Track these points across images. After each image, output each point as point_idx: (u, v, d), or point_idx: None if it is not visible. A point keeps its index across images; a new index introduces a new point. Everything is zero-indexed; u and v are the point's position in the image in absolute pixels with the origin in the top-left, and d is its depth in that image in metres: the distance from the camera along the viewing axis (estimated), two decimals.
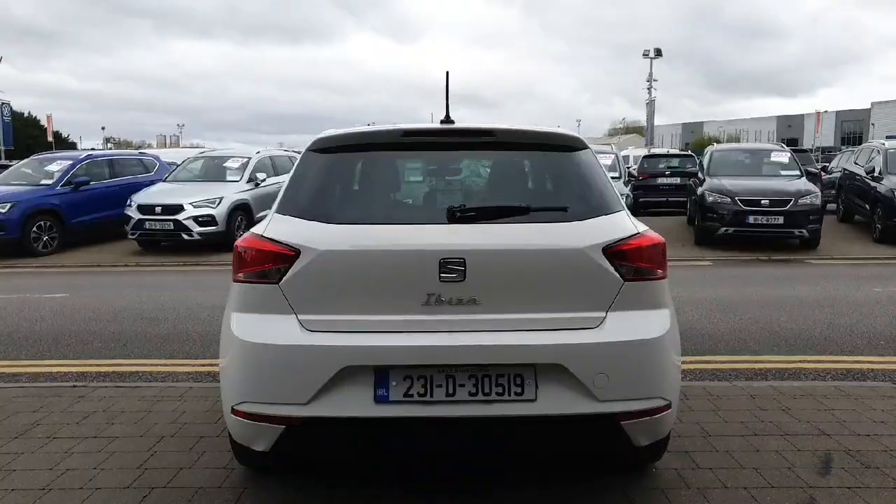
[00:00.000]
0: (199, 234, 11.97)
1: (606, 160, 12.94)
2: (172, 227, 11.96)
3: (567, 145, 3.20)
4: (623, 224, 2.90)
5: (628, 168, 18.29)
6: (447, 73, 3.37)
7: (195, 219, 11.99)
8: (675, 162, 18.86)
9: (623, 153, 23.71)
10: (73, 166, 13.27)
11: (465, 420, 2.67)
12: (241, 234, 3.26)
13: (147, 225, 12.04)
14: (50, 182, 12.94)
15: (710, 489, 3.13)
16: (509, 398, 2.67)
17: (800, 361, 5.33)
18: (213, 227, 12.06)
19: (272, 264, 2.75)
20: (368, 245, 2.76)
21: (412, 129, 3.10)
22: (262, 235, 2.84)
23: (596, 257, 2.76)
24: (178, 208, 12.00)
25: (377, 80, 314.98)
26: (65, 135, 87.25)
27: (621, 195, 3.24)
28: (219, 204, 12.23)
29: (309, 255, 2.72)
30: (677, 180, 17.67)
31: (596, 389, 2.67)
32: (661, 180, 18.29)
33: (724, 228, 11.67)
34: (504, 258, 2.75)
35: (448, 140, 3.17)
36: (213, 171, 13.76)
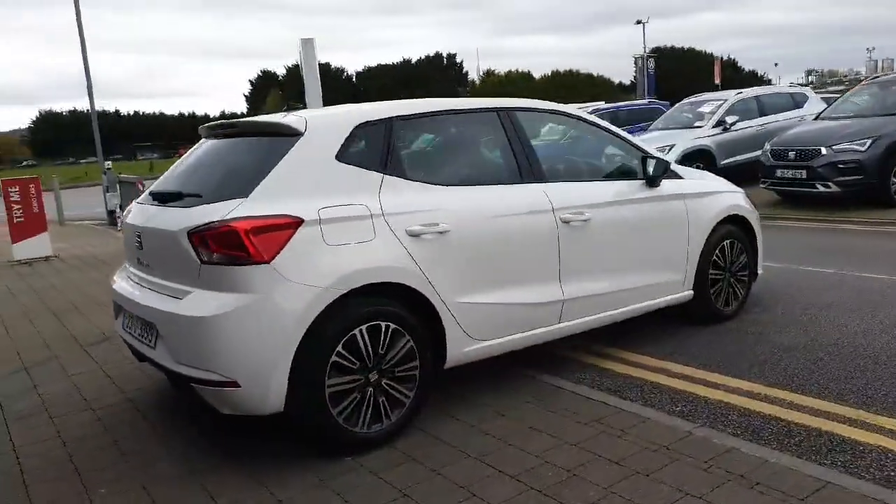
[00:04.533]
0: None
1: None
2: None
3: (274, 132, 3.57)
4: (220, 210, 3.15)
5: None
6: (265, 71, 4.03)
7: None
8: None
9: None
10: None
11: (137, 350, 3.70)
12: None
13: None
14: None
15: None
16: (147, 342, 3.52)
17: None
18: None
19: None
20: (126, 217, 4.00)
21: (212, 124, 4.00)
22: None
23: (182, 240, 3.20)
24: None
25: None
26: (760, 73, 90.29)
27: None
28: (668, 152, 12.16)
29: None
30: None
31: (172, 351, 3.28)
32: None
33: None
34: (148, 235, 3.56)
35: (221, 132, 3.92)
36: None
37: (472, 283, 3.68)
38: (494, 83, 66.21)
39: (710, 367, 4.28)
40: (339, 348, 3.22)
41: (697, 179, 5.01)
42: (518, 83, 64.00)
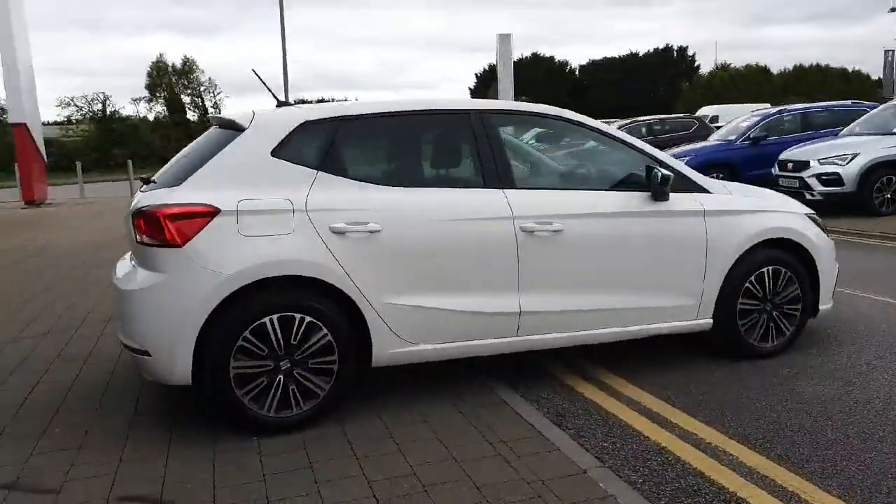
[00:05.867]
0: (822, 193, 11.06)
1: None
2: (797, 185, 11.46)
3: (229, 126, 3.83)
4: (155, 196, 3.52)
5: None
6: (253, 70, 4.33)
7: (818, 177, 11.15)
8: None
9: None
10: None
11: None
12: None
13: (781, 182, 11.90)
14: None
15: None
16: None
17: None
18: (839, 188, 10.88)
19: None
20: None
21: (213, 116, 4.38)
22: None
23: (130, 221, 3.59)
24: (804, 165, 11.39)
25: None
26: None
27: None
28: (850, 161, 10.85)
29: None
30: None
31: (120, 319, 3.72)
32: None
33: None
34: (126, 215, 3.92)
35: (213, 123, 4.24)
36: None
37: (407, 286, 3.65)
38: (722, 78, 61.32)
39: (689, 407, 3.80)
40: (247, 333, 3.40)
41: (727, 195, 4.37)
42: (750, 78, 58.71)
